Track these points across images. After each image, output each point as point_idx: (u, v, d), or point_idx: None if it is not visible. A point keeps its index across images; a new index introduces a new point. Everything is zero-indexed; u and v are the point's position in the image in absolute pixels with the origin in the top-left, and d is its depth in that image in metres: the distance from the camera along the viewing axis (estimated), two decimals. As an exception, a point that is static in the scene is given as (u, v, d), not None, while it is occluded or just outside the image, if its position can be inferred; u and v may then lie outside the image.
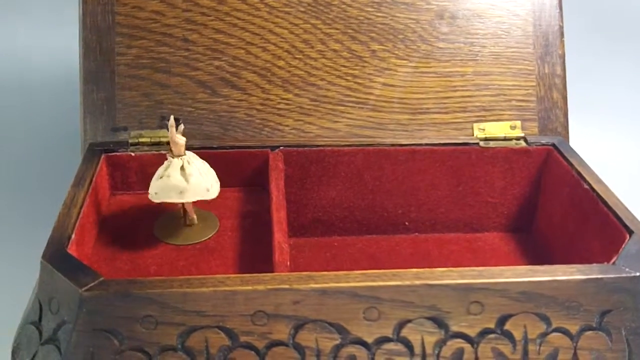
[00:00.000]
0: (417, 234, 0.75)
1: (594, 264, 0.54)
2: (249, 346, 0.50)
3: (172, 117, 0.60)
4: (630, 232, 0.58)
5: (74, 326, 0.48)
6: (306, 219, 0.74)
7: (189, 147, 0.64)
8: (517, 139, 0.73)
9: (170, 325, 0.49)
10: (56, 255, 0.51)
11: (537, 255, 0.73)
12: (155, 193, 0.60)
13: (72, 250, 0.53)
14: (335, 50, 0.72)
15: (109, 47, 0.70)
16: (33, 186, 0.87)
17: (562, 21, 0.75)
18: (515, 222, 0.76)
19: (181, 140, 0.60)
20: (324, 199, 0.73)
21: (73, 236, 0.54)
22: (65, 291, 0.49)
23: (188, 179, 0.60)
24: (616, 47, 1.07)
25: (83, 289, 0.48)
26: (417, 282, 0.50)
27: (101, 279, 0.49)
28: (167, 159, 0.61)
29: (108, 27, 0.70)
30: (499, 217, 0.75)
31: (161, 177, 0.60)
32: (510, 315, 0.52)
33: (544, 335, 0.52)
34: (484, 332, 0.52)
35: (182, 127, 0.60)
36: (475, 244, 0.75)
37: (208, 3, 0.71)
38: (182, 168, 0.60)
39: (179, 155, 0.60)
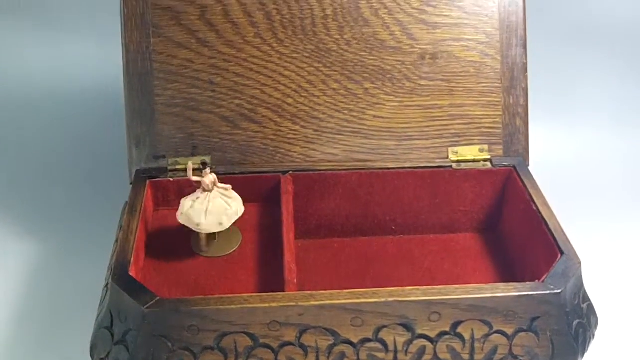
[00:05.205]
0: (402, 235, 0.91)
1: (527, 283, 0.70)
2: (267, 346, 0.67)
3: (189, 163, 0.77)
4: (562, 253, 0.74)
5: (138, 333, 0.66)
6: (311, 225, 0.90)
7: (216, 172, 0.81)
8: (485, 160, 0.88)
9: (209, 331, 0.66)
10: (122, 279, 0.68)
11: (500, 252, 0.88)
12: (200, 223, 0.77)
13: (132, 271, 0.71)
14: (334, 89, 0.87)
15: (149, 89, 0.85)
16: (89, 193, 1.05)
17: (526, 58, 0.89)
18: (484, 225, 0.91)
19: (208, 179, 0.77)
20: (325, 209, 0.89)
21: (132, 259, 0.72)
22: (131, 307, 0.67)
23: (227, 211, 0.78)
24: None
25: (145, 307, 0.65)
26: (391, 299, 0.67)
27: (158, 298, 0.66)
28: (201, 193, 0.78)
29: (147, 72, 0.85)
30: (469, 222, 0.91)
31: (207, 210, 0.77)
32: (461, 322, 0.68)
33: (487, 335, 0.69)
34: (441, 334, 0.68)
35: (208, 170, 0.77)
36: (450, 243, 0.90)
37: (229, 51, 0.86)
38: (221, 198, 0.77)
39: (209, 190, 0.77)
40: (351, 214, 0.89)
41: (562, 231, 0.77)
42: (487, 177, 0.88)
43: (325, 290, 0.69)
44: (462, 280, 0.84)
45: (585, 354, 0.72)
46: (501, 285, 0.70)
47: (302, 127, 0.87)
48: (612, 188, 1.10)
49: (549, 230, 0.77)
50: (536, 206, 0.81)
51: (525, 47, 0.89)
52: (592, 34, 1.21)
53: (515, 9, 0.88)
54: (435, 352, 0.69)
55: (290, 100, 0.87)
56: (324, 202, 0.88)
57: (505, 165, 0.88)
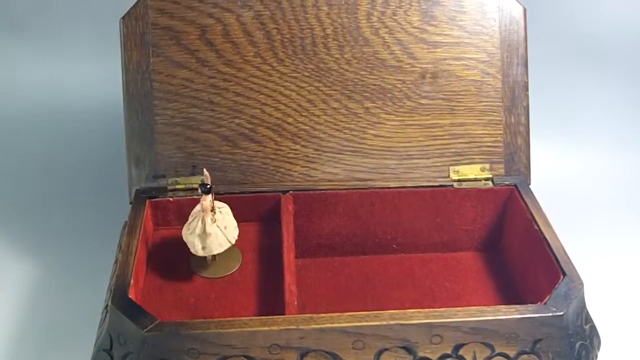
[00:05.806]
0: (403, 254, 0.91)
1: (529, 305, 0.69)
2: (267, 369, 0.67)
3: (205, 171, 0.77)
4: (564, 274, 0.74)
5: (138, 356, 0.66)
6: (312, 244, 0.90)
7: (216, 192, 0.80)
8: (486, 179, 0.88)
9: (209, 355, 0.66)
10: (122, 302, 0.68)
11: (502, 271, 0.88)
12: (203, 248, 0.77)
13: (131, 293, 0.70)
14: (335, 108, 0.87)
15: (149, 109, 0.85)
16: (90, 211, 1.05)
17: (527, 77, 0.89)
18: (484, 243, 0.91)
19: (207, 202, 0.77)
20: (326, 228, 0.89)
21: (132, 281, 0.71)
22: (130, 330, 0.66)
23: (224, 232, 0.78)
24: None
25: (144, 330, 0.65)
26: (392, 322, 0.67)
27: (157, 322, 0.66)
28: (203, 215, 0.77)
29: (147, 93, 0.85)
30: (470, 240, 0.91)
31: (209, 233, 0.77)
32: (463, 344, 0.68)
33: (489, 358, 0.68)
34: (443, 357, 0.68)
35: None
36: (451, 262, 0.90)
37: (229, 70, 0.86)
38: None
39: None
40: (352, 233, 0.89)
41: (564, 251, 0.76)
42: (488, 196, 0.88)
43: (326, 309, 0.69)
44: (463, 299, 0.84)
45: (589, 376, 0.71)
46: (503, 307, 0.69)
47: (303, 146, 0.87)
48: (615, 207, 1.10)
49: (551, 250, 0.77)
50: (537, 225, 0.81)
51: (526, 65, 0.89)
52: (594, 52, 1.21)
53: (516, 28, 0.88)
54: (437, 376, 0.68)
55: (290, 120, 0.86)
56: (325, 222, 0.88)
57: (506, 184, 0.87)
